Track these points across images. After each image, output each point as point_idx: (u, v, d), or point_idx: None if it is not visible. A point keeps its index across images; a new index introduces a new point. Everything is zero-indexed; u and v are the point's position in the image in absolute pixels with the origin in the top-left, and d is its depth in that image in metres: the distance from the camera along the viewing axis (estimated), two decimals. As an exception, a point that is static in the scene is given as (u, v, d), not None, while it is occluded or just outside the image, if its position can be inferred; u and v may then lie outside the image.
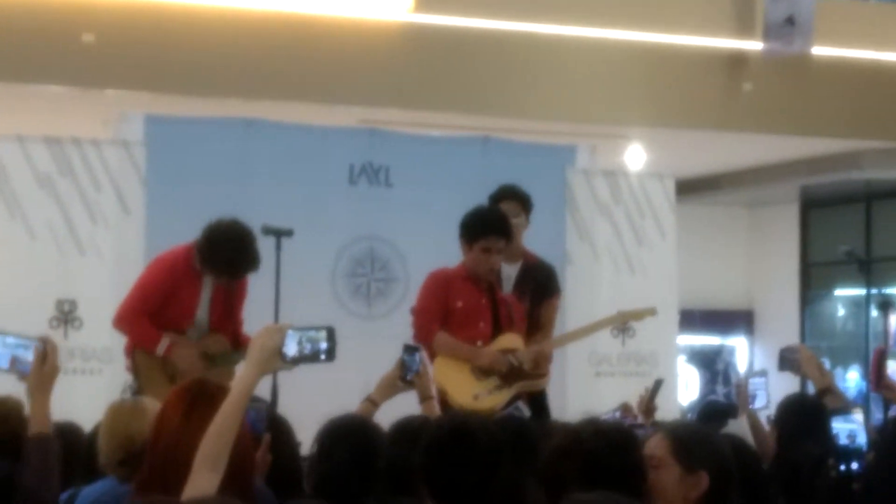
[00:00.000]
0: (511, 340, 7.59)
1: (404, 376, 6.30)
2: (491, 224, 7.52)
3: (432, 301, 7.62)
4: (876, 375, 5.96)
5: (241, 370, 3.98)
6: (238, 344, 7.39)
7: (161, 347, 7.30)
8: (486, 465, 3.98)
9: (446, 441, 4.04)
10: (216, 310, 7.48)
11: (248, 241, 7.29)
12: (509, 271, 8.02)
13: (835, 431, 4.51)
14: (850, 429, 4.50)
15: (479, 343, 7.50)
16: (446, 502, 3.94)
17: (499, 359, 7.41)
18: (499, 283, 7.86)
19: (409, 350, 6.38)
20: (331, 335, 4.07)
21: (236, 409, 3.80)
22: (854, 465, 4.40)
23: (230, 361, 7.26)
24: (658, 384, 7.55)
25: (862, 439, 4.46)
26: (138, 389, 7.28)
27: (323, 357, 4.04)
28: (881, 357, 5.97)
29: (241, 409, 3.82)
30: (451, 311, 7.55)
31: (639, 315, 8.48)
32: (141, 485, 3.88)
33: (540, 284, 8.10)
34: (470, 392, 7.20)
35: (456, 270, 7.65)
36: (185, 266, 7.46)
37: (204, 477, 3.65)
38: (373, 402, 6.06)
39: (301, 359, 4.00)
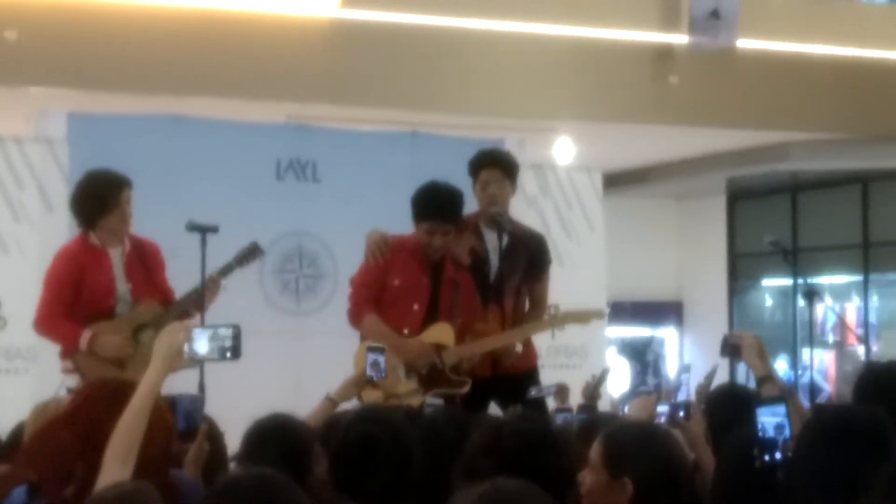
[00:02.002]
0: (440, 333, 7.22)
1: (370, 378, 6.25)
2: (435, 206, 7.22)
3: (367, 275, 7.35)
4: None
5: (149, 368, 3.98)
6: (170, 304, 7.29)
7: (83, 342, 7.14)
8: (395, 468, 3.96)
9: (353, 450, 4.03)
10: (134, 278, 7.29)
11: (106, 170, 7.36)
12: (495, 242, 7.51)
13: (762, 423, 4.50)
14: (776, 421, 4.49)
15: (406, 331, 7.17)
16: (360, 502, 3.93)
17: (424, 356, 7.09)
18: (485, 255, 7.46)
19: (374, 350, 6.33)
20: (236, 333, 4.13)
21: (144, 404, 3.87)
22: (777, 456, 4.40)
23: (166, 321, 7.13)
24: (605, 373, 7.44)
25: (787, 431, 4.46)
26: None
27: (228, 355, 4.10)
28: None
29: (149, 405, 3.88)
30: (387, 287, 7.28)
31: (583, 318, 8.00)
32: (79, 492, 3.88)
33: (532, 257, 7.61)
34: (385, 392, 6.74)
35: (404, 241, 7.37)
36: (83, 247, 7.31)
37: (115, 472, 3.69)
38: (332, 401, 5.98)
39: (206, 357, 4.05)
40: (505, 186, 7.50)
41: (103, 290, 7.23)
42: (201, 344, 4.04)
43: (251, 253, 7.56)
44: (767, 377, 5.90)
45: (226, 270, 7.40)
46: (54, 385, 7.77)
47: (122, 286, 7.28)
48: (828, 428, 4.04)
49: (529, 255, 7.58)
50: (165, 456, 4.08)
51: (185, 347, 4.02)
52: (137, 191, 7.48)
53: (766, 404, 4.59)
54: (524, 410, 5.78)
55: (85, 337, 7.15)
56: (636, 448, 3.67)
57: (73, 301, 7.29)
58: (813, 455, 3.70)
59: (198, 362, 4.11)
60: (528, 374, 7.58)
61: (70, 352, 7.32)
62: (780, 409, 4.53)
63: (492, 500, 2.73)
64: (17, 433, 5.21)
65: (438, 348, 7.18)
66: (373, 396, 6.52)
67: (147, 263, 7.32)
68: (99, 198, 7.27)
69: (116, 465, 3.71)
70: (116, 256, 7.32)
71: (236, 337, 4.13)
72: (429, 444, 4.44)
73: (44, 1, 11.65)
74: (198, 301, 7.21)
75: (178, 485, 4.08)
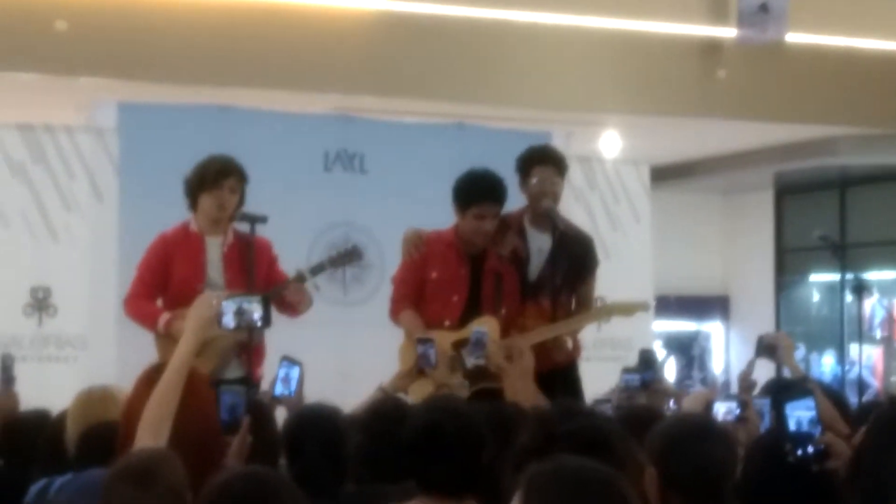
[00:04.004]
0: (486, 327, 6.96)
1: (421, 368, 6.27)
2: (485, 190, 7.13)
3: (407, 271, 7.34)
4: None
5: (180, 341, 4.09)
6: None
7: (161, 324, 7.17)
8: (465, 459, 3.98)
9: (423, 440, 4.05)
10: (231, 269, 7.25)
11: (227, 159, 7.32)
12: (541, 242, 7.40)
13: (795, 417, 4.50)
14: (809, 415, 4.50)
15: (447, 322, 7.08)
16: (433, 491, 3.95)
17: (447, 362, 6.84)
18: (527, 256, 7.36)
19: (424, 342, 6.35)
20: (265, 303, 4.24)
21: (176, 377, 3.94)
22: (809, 450, 4.40)
23: None
24: (752, 363, 6.91)
25: (818, 424, 4.46)
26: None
27: (259, 323, 4.26)
28: None
29: (181, 377, 3.95)
30: (426, 281, 7.24)
31: (629, 309, 7.79)
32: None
33: (578, 258, 7.44)
34: (435, 383, 6.68)
35: (442, 234, 7.31)
36: (180, 234, 7.34)
37: (146, 441, 3.77)
38: (384, 392, 6.00)
39: (236, 328, 4.16)
40: (557, 184, 7.43)
41: (192, 275, 7.21)
42: (228, 317, 4.12)
43: (348, 256, 7.56)
44: (805, 378, 5.92)
45: (317, 269, 7.43)
46: (103, 373, 7.87)
47: (217, 275, 7.27)
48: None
49: (575, 258, 7.44)
50: (218, 447, 4.12)
51: (217, 319, 4.11)
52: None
53: (796, 399, 4.59)
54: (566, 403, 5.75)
55: (162, 319, 7.17)
56: (666, 439, 3.68)
57: (162, 285, 7.32)
58: (886, 450, 3.69)
59: (228, 332, 4.20)
60: (569, 368, 7.53)
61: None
62: (811, 402, 4.54)
63: (569, 477, 2.75)
64: (60, 421, 5.26)
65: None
66: (423, 388, 6.54)
67: (252, 258, 7.16)
68: (203, 176, 7.29)
69: (148, 435, 3.80)
70: (215, 245, 7.34)
71: (265, 307, 4.21)
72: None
73: (94, -8, 11.76)
74: (279, 296, 7.16)
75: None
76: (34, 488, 4.63)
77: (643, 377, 7.25)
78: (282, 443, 5.05)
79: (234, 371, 7.07)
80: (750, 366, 6.46)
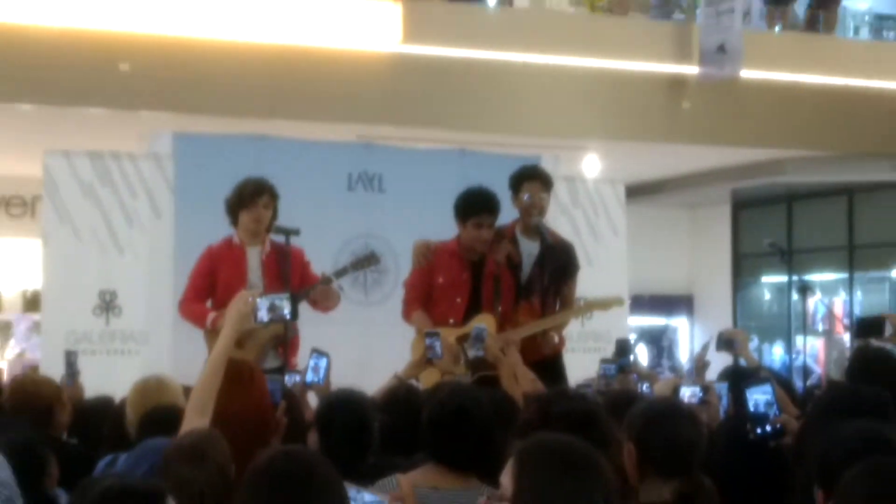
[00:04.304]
0: (483, 323, 6.93)
1: (430, 358, 6.27)
2: (481, 202, 7.11)
3: (417, 278, 7.31)
4: None
5: (221, 332, 4.11)
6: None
7: (209, 321, 7.18)
8: (480, 435, 3.99)
9: (448, 418, 4.05)
10: (269, 275, 7.24)
11: (259, 178, 7.33)
12: (531, 248, 7.38)
13: (753, 400, 4.50)
14: (766, 398, 4.49)
15: (451, 321, 7.05)
16: (448, 464, 3.93)
17: (452, 354, 6.78)
18: (519, 259, 7.32)
19: (431, 336, 6.34)
20: (293, 300, 4.29)
21: (219, 363, 3.96)
22: (768, 429, 4.39)
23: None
24: (706, 346, 6.82)
25: (775, 406, 4.45)
26: None
27: (288, 317, 4.25)
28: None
29: (222, 363, 3.96)
30: (433, 286, 7.21)
31: (606, 304, 7.79)
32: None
33: (561, 263, 7.45)
34: (441, 371, 6.62)
35: (447, 244, 7.28)
36: (224, 246, 7.36)
37: (194, 420, 3.79)
38: (399, 379, 5.99)
39: (268, 321, 4.19)
40: (544, 198, 7.44)
41: (235, 281, 7.14)
42: (262, 312, 4.16)
43: (367, 260, 7.56)
44: (759, 367, 5.92)
45: (341, 272, 7.42)
46: (160, 364, 7.88)
47: (257, 280, 7.25)
48: (838, 403, 4.05)
49: (559, 263, 7.44)
50: (271, 424, 4.12)
51: (252, 314, 4.14)
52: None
53: (755, 385, 4.59)
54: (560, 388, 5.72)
55: (210, 318, 7.17)
56: (643, 419, 3.67)
57: (210, 289, 7.32)
58: (825, 426, 3.69)
59: (262, 325, 4.26)
60: (556, 359, 7.50)
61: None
62: (768, 388, 4.54)
63: (559, 445, 2.75)
64: (121, 406, 5.26)
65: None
66: (431, 376, 6.53)
67: (287, 265, 7.19)
68: (241, 196, 7.30)
69: (195, 414, 3.81)
70: (255, 255, 7.31)
71: (293, 303, 4.26)
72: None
73: (152, 38, 11.76)
74: (308, 296, 7.17)
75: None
76: (102, 463, 4.63)
77: (620, 363, 7.21)
78: (312, 422, 5.06)
79: (272, 361, 7.06)
80: (703, 349, 6.45)
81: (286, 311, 4.21)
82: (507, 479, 2.72)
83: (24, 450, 4.38)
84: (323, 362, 5.91)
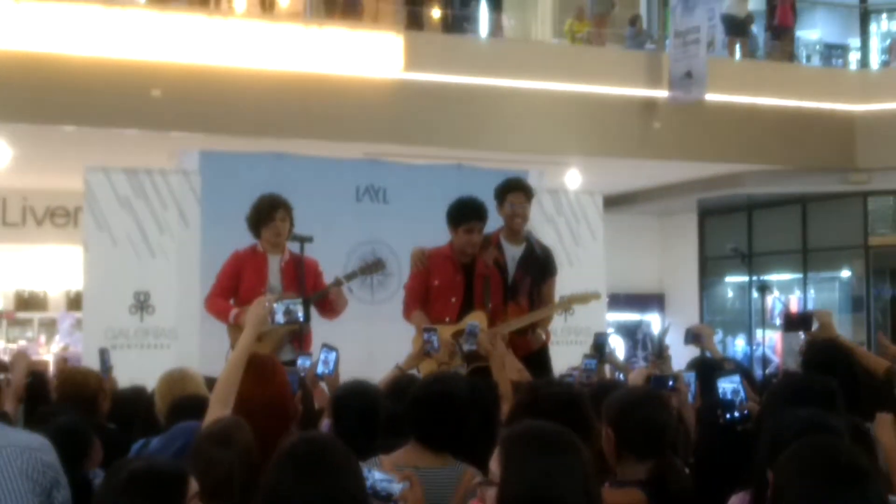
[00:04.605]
0: (475, 319, 6.86)
1: (427, 351, 6.23)
2: (472, 211, 7.02)
3: (415, 281, 7.20)
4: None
5: (243, 332, 4.05)
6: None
7: (231, 316, 7.11)
8: (458, 417, 3.94)
9: (429, 397, 4.01)
10: (287, 280, 7.17)
11: (272, 194, 7.28)
12: (514, 252, 7.28)
13: (722, 388, 4.48)
14: (733, 387, 4.47)
15: (447, 319, 6.95)
16: (427, 443, 3.91)
17: (448, 349, 6.69)
18: (504, 261, 7.24)
19: (429, 331, 6.31)
20: (306, 305, 4.32)
21: (240, 360, 3.91)
22: (736, 415, 4.37)
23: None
24: (665, 330, 6.76)
25: (742, 394, 4.43)
26: None
27: (301, 319, 4.25)
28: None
29: (243, 360, 3.91)
30: (430, 288, 7.10)
31: (584, 299, 7.63)
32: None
33: (542, 265, 7.34)
34: (438, 363, 6.54)
35: (441, 249, 7.17)
36: (249, 253, 7.27)
37: (216, 411, 3.75)
38: (400, 370, 5.95)
39: (283, 323, 4.18)
40: (526, 207, 7.41)
41: (257, 283, 7.13)
42: (279, 315, 4.14)
43: (374, 266, 7.53)
44: (723, 359, 5.89)
45: (350, 276, 7.37)
46: (189, 357, 7.84)
47: (277, 284, 7.18)
48: (790, 392, 4.03)
49: (540, 265, 7.37)
50: (293, 410, 4.10)
51: (268, 318, 4.12)
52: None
53: (724, 376, 4.56)
54: (546, 378, 5.71)
55: (233, 314, 7.10)
56: (619, 406, 3.64)
57: (234, 289, 7.24)
58: (778, 412, 3.67)
59: (279, 326, 4.24)
60: (542, 352, 7.46)
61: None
62: (736, 378, 4.50)
63: (535, 432, 2.73)
64: (152, 395, 5.24)
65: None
66: (429, 366, 6.49)
67: (303, 273, 7.13)
68: (259, 213, 7.25)
69: (218, 405, 3.77)
70: (275, 262, 7.24)
71: (306, 307, 4.24)
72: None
73: (181, 67, 11.76)
74: (323, 298, 7.13)
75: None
76: (135, 447, 4.60)
77: (600, 358, 7.14)
78: (324, 409, 5.03)
79: (287, 354, 7.01)
80: (663, 333, 6.41)
81: (300, 314, 4.19)
82: (494, 464, 2.71)
83: (71, 433, 4.38)
84: (332, 356, 5.88)
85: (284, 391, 4.00)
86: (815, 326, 5.66)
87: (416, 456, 3.84)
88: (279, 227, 7.18)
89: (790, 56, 16.15)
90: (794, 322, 5.82)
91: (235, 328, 7.07)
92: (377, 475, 3.05)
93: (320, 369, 5.86)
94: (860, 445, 3.26)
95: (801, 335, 6.18)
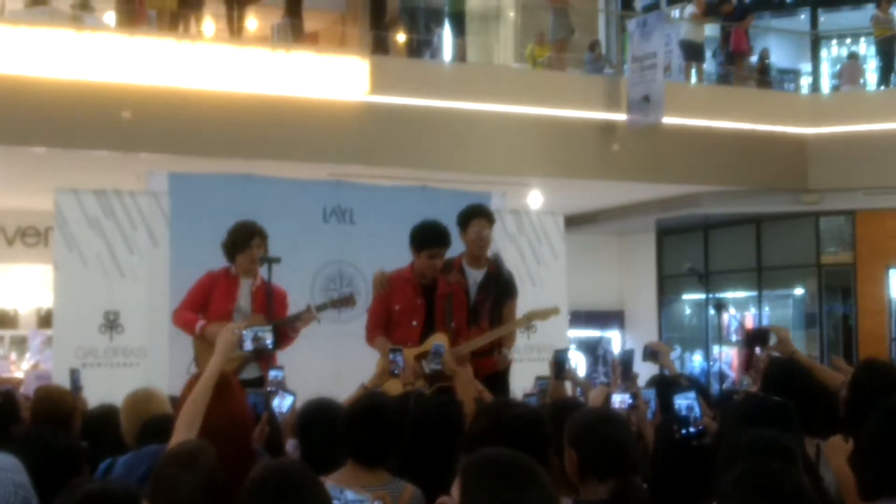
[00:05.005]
0: (436, 341, 6.84)
1: (393, 371, 6.20)
2: (435, 236, 6.97)
3: (377, 306, 7.13)
4: (747, 363, 6.00)
5: (211, 359, 3.97)
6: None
7: (198, 327, 7.13)
8: (389, 432, 3.93)
9: (356, 413, 4.00)
10: (257, 301, 7.18)
11: (249, 221, 7.29)
12: (476, 276, 7.22)
13: (677, 405, 4.49)
14: (687, 403, 4.48)
15: (409, 343, 6.84)
16: (360, 460, 3.89)
17: (412, 370, 6.64)
18: (466, 285, 7.19)
19: (394, 351, 6.28)
20: (275, 331, 4.25)
21: (207, 386, 3.85)
22: (692, 430, 4.39)
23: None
24: (630, 353, 6.65)
25: (697, 410, 4.45)
26: (198, 369, 7.05)
27: (270, 347, 4.22)
28: (751, 356, 6.01)
29: (211, 386, 3.85)
30: (391, 311, 7.04)
31: (545, 314, 7.56)
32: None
33: (501, 287, 7.30)
34: (403, 382, 6.45)
35: (402, 272, 7.09)
36: (223, 274, 7.29)
37: (182, 435, 3.70)
38: (366, 389, 5.91)
39: (252, 350, 4.13)
40: (489, 233, 7.38)
41: (225, 304, 7.16)
42: (248, 342, 4.09)
43: (346, 300, 7.49)
44: (679, 375, 5.93)
45: (321, 308, 7.34)
46: (159, 375, 7.80)
47: (247, 305, 7.21)
48: (750, 413, 4.06)
49: (500, 288, 7.33)
50: (250, 430, 4.07)
51: (237, 344, 4.07)
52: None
53: (680, 392, 4.58)
54: (503, 398, 5.66)
55: (199, 325, 7.13)
56: (581, 427, 3.62)
57: (204, 306, 7.24)
58: (737, 432, 3.70)
59: (247, 353, 4.19)
60: (496, 376, 7.39)
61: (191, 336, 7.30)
62: (691, 395, 4.51)
63: (504, 461, 2.70)
64: (118, 414, 5.20)
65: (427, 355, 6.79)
66: (394, 386, 6.46)
67: (272, 298, 7.11)
68: (235, 240, 7.25)
69: (184, 429, 3.73)
70: (247, 286, 7.25)
71: (275, 334, 4.20)
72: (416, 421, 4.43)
73: (150, 90, 11.71)
74: (292, 324, 7.11)
75: (255, 451, 4.06)
76: (102, 466, 4.57)
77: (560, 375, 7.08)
78: (291, 428, 5.01)
79: (251, 372, 6.98)
80: (628, 356, 6.44)
81: (268, 341, 4.15)
82: (455, 491, 2.67)
83: (64, 455, 4.31)
84: (288, 401, 5.81)
85: (239, 407, 3.95)
86: (772, 341, 5.70)
87: (353, 475, 3.81)
88: (255, 255, 7.21)
89: (744, 80, 16.33)
90: (751, 337, 5.86)
91: (201, 340, 7.07)
92: (349, 496, 3.03)
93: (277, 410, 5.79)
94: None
95: (758, 351, 6.22)
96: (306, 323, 7.09)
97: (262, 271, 7.19)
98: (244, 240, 7.19)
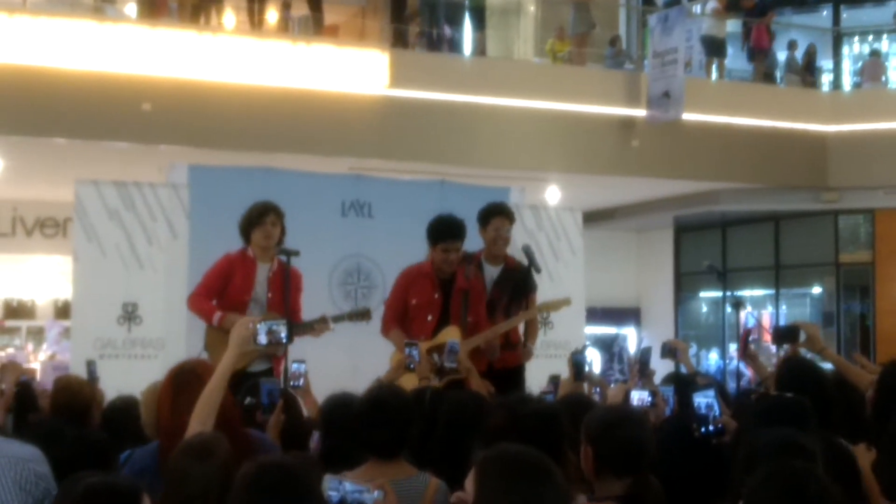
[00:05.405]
0: (448, 334, 6.93)
1: (409, 365, 6.21)
2: (449, 230, 7.02)
3: (394, 299, 7.22)
4: (743, 349, 5.98)
5: (225, 353, 3.96)
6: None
7: (215, 319, 7.04)
8: (396, 424, 3.93)
9: (367, 407, 4.00)
10: (274, 289, 7.11)
11: (266, 202, 7.23)
12: (493, 272, 7.33)
13: (697, 403, 4.48)
14: (707, 401, 4.48)
15: (423, 337, 6.90)
16: (378, 454, 3.90)
17: (424, 364, 6.61)
18: (482, 281, 7.26)
19: (410, 346, 6.29)
20: (289, 326, 4.19)
21: (221, 380, 3.83)
22: (711, 429, 4.38)
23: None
24: (647, 351, 6.60)
25: (717, 408, 4.44)
26: (210, 358, 7.06)
27: (284, 340, 4.13)
28: (747, 337, 6.00)
29: (225, 380, 3.84)
30: (408, 306, 7.11)
31: (556, 306, 7.69)
32: (161, 447, 3.93)
33: (518, 284, 7.33)
34: (418, 376, 6.44)
35: (421, 267, 7.19)
36: (240, 257, 7.20)
37: (195, 429, 3.69)
38: (381, 383, 5.93)
39: (266, 344, 4.10)
40: (508, 230, 7.41)
41: (244, 288, 7.08)
42: (262, 336, 4.05)
43: (361, 314, 7.45)
44: (696, 373, 5.92)
45: (338, 318, 7.25)
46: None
47: (262, 291, 7.13)
48: (766, 412, 4.05)
49: (516, 284, 7.38)
50: (235, 418, 4.05)
51: (252, 338, 4.06)
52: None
53: (700, 390, 4.57)
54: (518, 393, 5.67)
55: (217, 316, 7.03)
56: (599, 424, 3.61)
57: (220, 291, 7.15)
58: (754, 432, 3.69)
59: (261, 347, 4.16)
60: (517, 370, 7.46)
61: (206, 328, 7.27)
62: (710, 393, 4.51)
63: (519, 458, 2.70)
64: (138, 406, 5.22)
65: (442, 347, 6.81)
66: (410, 380, 6.48)
67: (288, 283, 7.00)
68: (250, 217, 7.20)
69: (197, 424, 3.71)
70: (264, 270, 7.16)
71: (289, 328, 4.18)
72: (452, 414, 4.44)
73: (171, 81, 11.75)
74: (305, 332, 7.02)
75: (250, 436, 4.04)
76: (122, 456, 4.59)
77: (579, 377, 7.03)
78: (313, 422, 5.00)
79: (260, 365, 6.97)
80: (645, 353, 6.43)
81: (283, 335, 4.12)
82: (469, 485, 2.68)
83: (98, 449, 4.34)
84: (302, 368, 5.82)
85: (226, 397, 3.92)
86: (802, 338, 5.67)
87: (377, 470, 3.82)
88: (269, 231, 7.13)
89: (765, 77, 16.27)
90: (781, 334, 5.83)
91: (216, 330, 7.04)
92: (348, 487, 3.00)
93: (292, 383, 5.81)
94: (840, 467, 3.29)
95: (773, 349, 6.20)
96: (319, 333, 7.02)
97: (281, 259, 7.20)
98: (259, 216, 7.16)
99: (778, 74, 16.74)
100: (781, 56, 16.94)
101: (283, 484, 2.77)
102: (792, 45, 17.19)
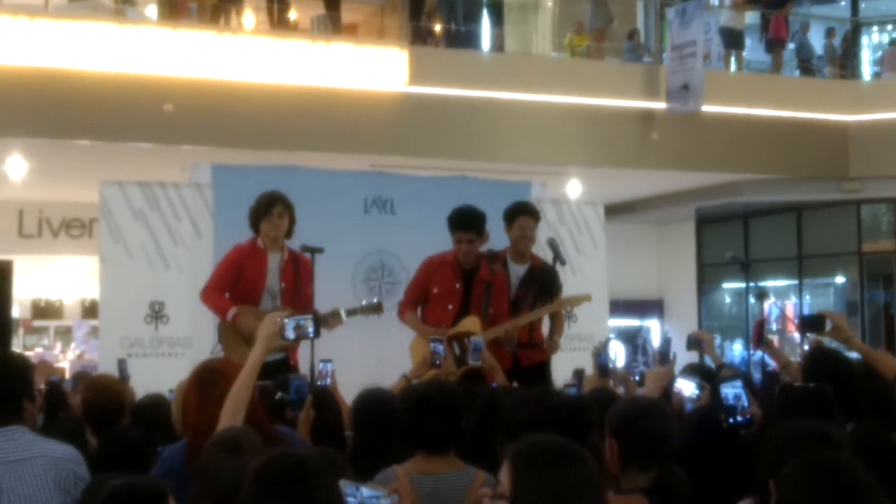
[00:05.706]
0: (468, 324, 7.06)
1: (434, 361, 6.23)
2: (460, 221, 7.17)
3: (414, 286, 7.37)
4: (757, 338, 5.97)
5: (254, 348, 4.01)
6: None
7: (230, 315, 7.06)
8: (450, 418, 3.94)
9: (417, 402, 4.00)
10: (286, 279, 7.15)
11: (274, 192, 7.26)
12: (518, 271, 7.45)
13: (724, 393, 4.49)
14: (735, 392, 4.48)
15: (443, 325, 7.02)
16: (429, 448, 3.90)
17: (450, 360, 6.72)
18: (507, 279, 7.38)
19: (436, 341, 6.31)
20: (316, 320, 4.21)
21: (250, 375, 3.87)
22: (739, 419, 4.38)
23: None
24: (669, 341, 6.69)
25: (745, 399, 4.44)
26: (224, 351, 7.09)
27: (311, 335, 4.18)
28: (761, 326, 5.99)
29: (254, 376, 3.87)
30: (429, 295, 7.22)
31: (576, 301, 7.83)
32: (189, 445, 3.96)
33: (543, 283, 7.45)
34: (444, 372, 6.37)
35: (444, 256, 7.29)
36: (250, 247, 7.22)
37: (226, 423, 3.72)
38: (407, 379, 5.94)
39: (294, 339, 4.14)
40: (533, 229, 7.52)
41: (256, 280, 7.10)
42: (289, 331, 4.09)
43: (374, 308, 7.48)
44: (722, 365, 5.91)
45: (351, 312, 7.21)
46: (204, 365, 7.84)
47: (275, 283, 7.15)
48: (791, 403, 4.06)
49: (542, 283, 7.47)
50: (262, 412, 4.08)
51: (280, 333, 4.09)
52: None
53: (727, 381, 4.57)
54: (545, 387, 5.70)
55: (232, 311, 7.05)
56: (623, 417, 3.62)
57: (233, 282, 7.16)
58: (780, 423, 3.70)
59: (289, 342, 4.19)
60: (542, 367, 7.47)
61: (218, 322, 7.29)
62: (738, 384, 4.50)
63: (543, 446, 2.73)
64: (169, 404, 5.26)
65: (467, 335, 6.90)
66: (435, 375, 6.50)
67: (299, 272, 7.14)
68: (257, 208, 7.24)
69: (228, 419, 3.74)
70: (275, 260, 7.19)
71: (316, 323, 4.20)
72: (486, 409, 4.47)
73: (193, 82, 11.81)
74: (323, 322, 6.88)
75: (277, 432, 4.07)
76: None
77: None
78: (347, 416, 5.00)
79: (275, 354, 6.95)
80: (665, 345, 6.43)
81: (310, 329, 4.15)
82: (504, 477, 2.71)
83: (138, 448, 4.38)
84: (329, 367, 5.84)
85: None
86: (828, 327, 5.65)
87: (426, 464, 3.84)
88: (276, 223, 7.15)
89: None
90: (807, 323, 5.81)
91: (230, 327, 7.07)
92: (365, 492, 2.99)
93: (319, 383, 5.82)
94: (878, 456, 3.30)
95: (798, 339, 6.18)
96: (332, 327, 7.01)
97: (289, 245, 7.21)
98: (266, 207, 7.18)
99: (814, 64, 16.64)
100: (818, 45, 16.82)
101: (292, 476, 2.74)
102: (830, 33, 17.10)
